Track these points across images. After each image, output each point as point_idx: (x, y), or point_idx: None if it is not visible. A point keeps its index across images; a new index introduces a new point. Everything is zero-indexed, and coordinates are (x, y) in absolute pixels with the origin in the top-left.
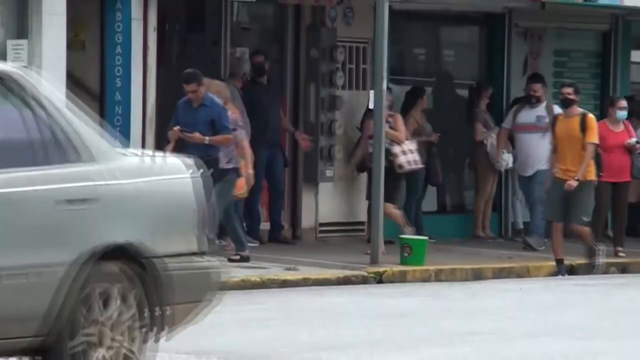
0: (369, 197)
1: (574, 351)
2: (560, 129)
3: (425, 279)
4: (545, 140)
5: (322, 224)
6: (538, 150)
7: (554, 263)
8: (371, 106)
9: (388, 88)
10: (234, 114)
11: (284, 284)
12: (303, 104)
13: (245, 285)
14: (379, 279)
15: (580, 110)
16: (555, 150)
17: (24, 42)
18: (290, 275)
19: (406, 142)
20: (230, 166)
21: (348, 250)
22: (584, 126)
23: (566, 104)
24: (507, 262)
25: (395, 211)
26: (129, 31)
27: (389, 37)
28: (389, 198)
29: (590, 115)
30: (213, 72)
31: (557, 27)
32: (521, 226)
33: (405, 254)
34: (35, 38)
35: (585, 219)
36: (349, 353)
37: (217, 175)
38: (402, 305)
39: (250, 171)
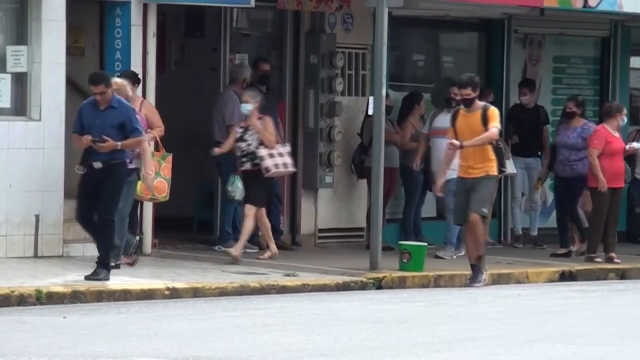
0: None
1: (573, 357)
2: (461, 123)
3: (425, 284)
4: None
5: (321, 230)
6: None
7: (554, 269)
8: (370, 112)
9: (387, 94)
10: (139, 113)
11: (283, 289)
12: (302, 109)
13: (245, 291)
14: (378, 285)
15: (482, 103)
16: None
17: (23, 48)
18: (289, 281)
19: (277, 145)
20: (132, 166)
21: (347, 256)
22: (485, 118)
23: (467, 104)
24: (506, 268)
25: (266, 221)
26: (128, 37)
27: (388, 43)
28: (253, 200)
29: (492, 108)
30: (213, 78)
31: (556, 34)
32: (520, 232)
33: (405, 260)
34: (34, 44)
35: (484, 210)
36: (348, 358)
37: (126, 177)
38: (401, 311)
39: (150, 172)
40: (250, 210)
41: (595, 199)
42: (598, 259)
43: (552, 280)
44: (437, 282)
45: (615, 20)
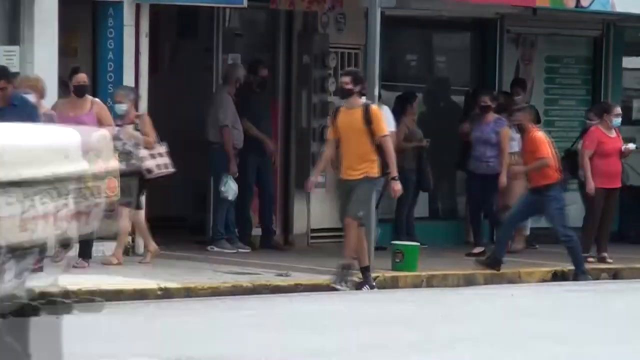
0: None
1: (566, 357)
2: (342, 121)
3: (417, 284)
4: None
5: (313, 230)
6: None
7: (546, 269)
8: None
9: (379, 96)
10: (47, 110)
11: (276, 289)
12: (295, 109)
13: (237, 291)
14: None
15: (364, 101)
16: (336, 145)
17: (15, 48)
18: (282, 281)
19: (156, 145)
20: None
21: (340, 256)
22: (368, 118)
23: (344, 94)
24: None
25: (143, 224)
26: (121, 37)
27: (380, 43)
28: (136, 205)
29: (374, 106)
30: (206, 79)
31: (548, 33)
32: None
33: (397, 260)
34: (27, 44)
35: (360, 214)
36: (340, 358)
37: None
38: (394, 311)
39: None
40: (125, 211)
41: (589, 198)
42: (591, 259)
43: (544, 280)
44: (430, 282)
45: (607, 20)
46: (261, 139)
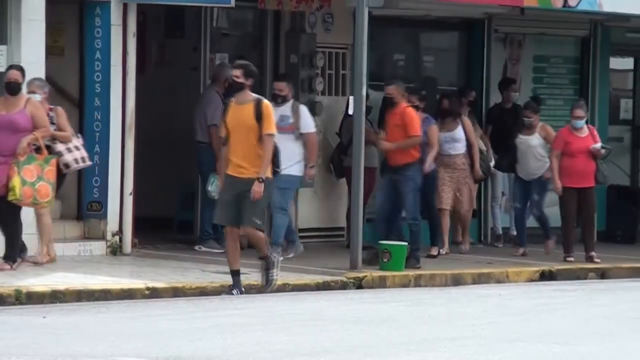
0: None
1: (553, 356)
2: (231, 117)
3: (405, 284)
4: (289, 141)
5: (301, 230)
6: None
7: (534, 268)
8: (351, 112)
9: (367, 95)
10: None
11: (264, 289)
12: None
13: (225, 291)
14: (359, 285)
15: (255, 95)
16: (225, 142)
17: (3, 47)
18: None
19: (72, 138)
20: None
21: (328, 255)
22: (259, 114)
23: (235, 88)
24: (486, 268)
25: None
26: (108, 37)
27: (368, 43)
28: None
29: (266, 102)
30: (193, 78)
31: (536, 33)
32: (500, 232)
33: (385, 260)
34: (14, 44)
35: (258, 221)
36: (328, 358)
37: None
38: (381, 310)
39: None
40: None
41: (560, 199)
42: (570, 258)
43: (532, 280)
44: (418, 282)
45: (595, 20)
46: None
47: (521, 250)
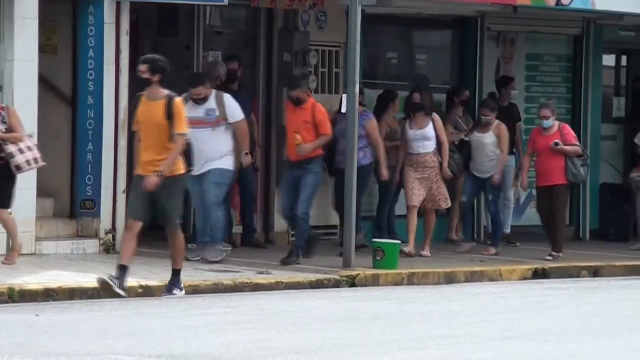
0: (336, 207)
1: (546, 355)
2: (142, 113)
3: (398, 282)
4: (216, 135)
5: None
6: (208, 146)
7: (527, 267)
8: (344, 110)
9: (361, 92)
10: None
11: (257, 287)
12: (276, 107)
13: (218, 289)
14: (352, 283)
15: (167, 92)
16: (139, 139)
17: None
18: (263, 279)
19: (24, 139)
20: None
21: (321, 254)
22: (170, 113)
23: (142, 83)
24: (479, 266)
25: (10, 218)
26: (101, 35)
27: (361, 41)
28: (1, 203)
29: (178, 100)
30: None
31: (529, 31)
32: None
33: (378, 258)
34: (7, 42)
35: (179, 221)
36: (321, 356)
37: None
38: (374, 308)
39: None
40: (2, 214)
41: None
42: (548, 258)
43: (525, 278)
44: (411, 280)
45: (588, 18)
46: None
47: (466, 247)
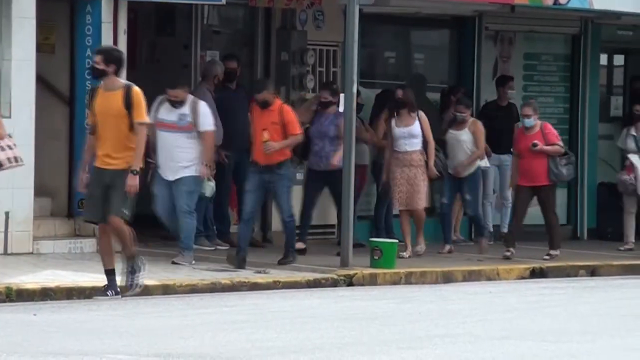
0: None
1: (543, 354)
2: (99, 104)
3: (396, 281)
4: (190, 141)
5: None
6: (181, 151)
7: (524, 266)
8: (341, 109)
9: (358, 92)
10: None
11: (255, 286)
12: None
13: (216, 288)
14: (349, 282)
15: (124, 82)
16: (93, 131)
17: None
18: (260, 278)
19: (5, 137)
20: None
21: (318, 253)
22: (129, 102)
23: (96, 74)
24: (477, 265)
25: None
26: (99, 34)
27: (359, 40)
28: None
29: (136, 89)
30: (184, 75)
31: (527, 31)
32: (491, 229)
33: (376, 257)
34: (4, 41)
35: (126, 212)
36: (319, 356)
37: None
38: (372, 308)
39: None
40: None
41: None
42: (507, 253)
43: (522, 277)
44: (409, 279)
45: (585, 17)
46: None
47: (447, 248)
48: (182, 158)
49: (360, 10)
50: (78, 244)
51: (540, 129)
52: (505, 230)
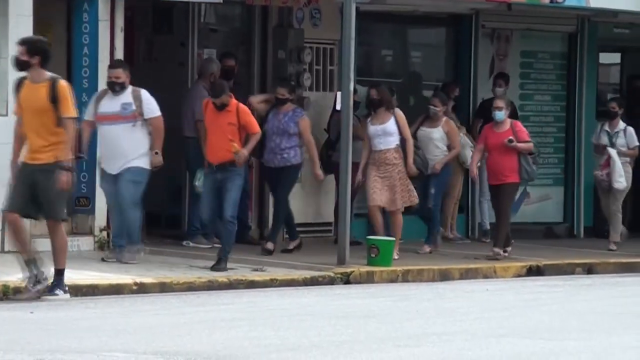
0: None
1: (540, 351)
2: (25, 97)
3: (393, 279)
4: (134, 132)
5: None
6: (125, 143)
7: (521, 264)
8: (338, 107)
9: (355, 90)
10: None
11: (252, 284)
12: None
13: (213, 286)
14: (346, 280)
15: (51, 75)
16: (20, 124)
17: None
18: (257, 276)
19: None
20: None
21: (315, 251)
22: (54, 96)
23: (19, 66)
24: (474, 263)
25: None
26: (96, 32)
27: (356, 38)
28: None
29: (63, 82)
30: (181, 73)
31: (523, 29)
32: (488, 227)
33: (373, 255)
34: (1, 39)
35: (65, 216)
36: (316, 353)
37: None
38: (369, 305)
39: None
40: None
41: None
42: (499, 252)
43: (519, 275)
44: (405, 277)
45: (582, 15)
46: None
47: (426, 248)
48: (129, 150)
49: (357, 8)
50: (75, 242)
51: (511, 127)
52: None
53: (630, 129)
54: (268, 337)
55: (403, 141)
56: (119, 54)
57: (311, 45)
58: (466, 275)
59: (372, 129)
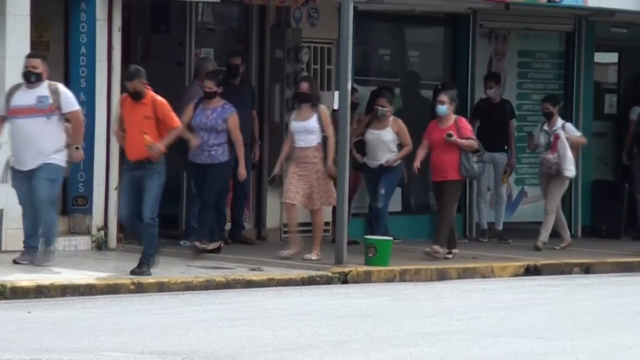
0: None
1: (537, 351)
2: None
3: (390, 279)
4: (50, 126)
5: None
6: (40, 138)
7: (519, 263)
8: (336, 107)
9: (355, 90)
10: None
11: (249, 284)
12: (268, 104)
13: (210, 286)
14: (344, 279)
15: None
16: None
17: None
18: (255, 276)
19: None
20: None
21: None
22: None
23: None
24: (471, 262)
25: None
26: (93, 32)
27: (353, 38)
28: None
29: None
30: (179, 73)
31: (521, 28)
32: (486, 226)
33: (370, 255)
34: None
35: None
36: (313, 353)
37: None
38: (366, 305)
39: None
40: None
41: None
42: (448, 255)
43: (517, 275)
44: (403, 277)
45: (579, 15)
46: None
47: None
48: (45, 146)
49: (354, 7)
50: (72, 242)
51: (455, 123)
52: (500, 227)
53: (569, 124)
54: (265, 337)
55: (324, 139)
56: (117, 54)
57: (309, 45)
58: (464, 274)
59: (294, 124)
